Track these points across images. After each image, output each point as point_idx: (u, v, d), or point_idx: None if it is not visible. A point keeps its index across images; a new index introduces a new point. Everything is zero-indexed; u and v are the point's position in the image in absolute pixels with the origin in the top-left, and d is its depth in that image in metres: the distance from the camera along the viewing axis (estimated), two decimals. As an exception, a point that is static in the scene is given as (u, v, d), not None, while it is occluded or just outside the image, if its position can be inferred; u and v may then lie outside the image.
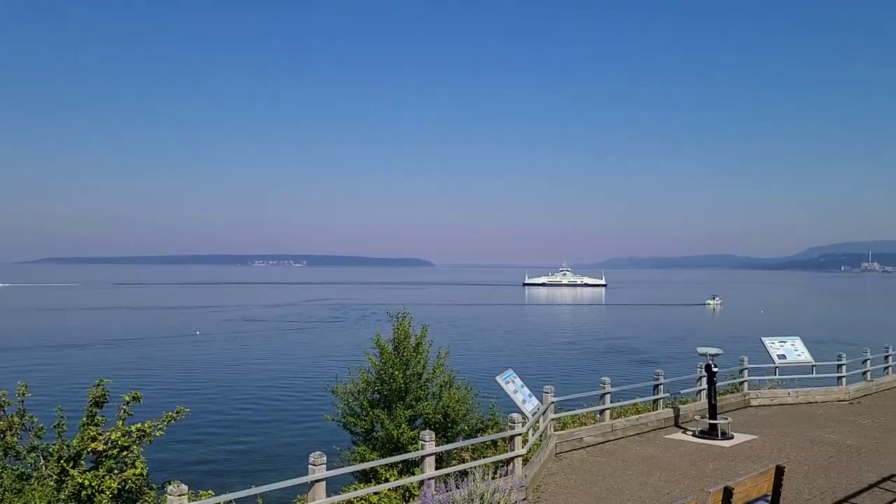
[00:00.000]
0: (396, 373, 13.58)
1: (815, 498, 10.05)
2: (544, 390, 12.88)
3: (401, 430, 13.00)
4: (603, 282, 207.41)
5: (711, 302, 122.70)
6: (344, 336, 64.03)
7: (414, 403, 13.54)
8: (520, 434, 10.55)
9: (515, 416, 10.73)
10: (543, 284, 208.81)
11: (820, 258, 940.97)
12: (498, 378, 11.94)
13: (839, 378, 18.50)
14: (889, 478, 11.03)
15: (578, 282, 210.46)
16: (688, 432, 14.46)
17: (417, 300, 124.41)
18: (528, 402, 11.99)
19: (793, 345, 18.39)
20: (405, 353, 13.86)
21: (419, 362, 13.97)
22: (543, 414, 12.57)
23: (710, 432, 13.96)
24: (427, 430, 9.77)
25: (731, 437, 13.90)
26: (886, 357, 20.51)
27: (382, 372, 13.80)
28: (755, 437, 14.16)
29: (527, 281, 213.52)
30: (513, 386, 11.99)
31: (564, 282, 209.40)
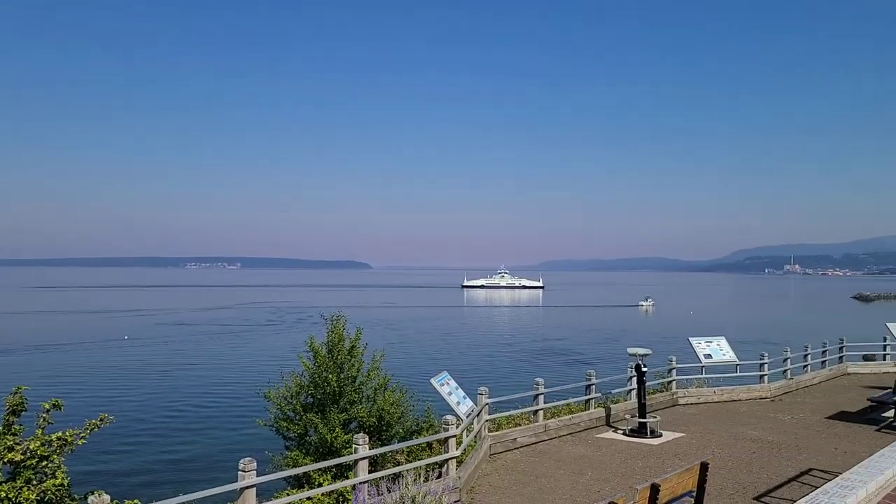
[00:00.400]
0: (330, 376, 13.43)
1: (737, 493, 10.39)
2: (479, 392, 12.94)
3: (335, 434, 12.87)
4: (540, 284, 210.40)
5: (644, 303, 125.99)
6: (279, 339, 63.00)
7: (348, 407, 13.42)
8: (454, 436, 10.56)
9: (449, 417, 10.74)
10: (482, 287, 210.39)
11: (745, 261, 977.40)
12: (432, 380, 11.93)
13: (761, 376, 19.23)
14: (807, 472, 11.50)
15: (516, 284, 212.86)
16: (619, 431, 14.77)
17: (355, 302, 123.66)
18: (462, 404, 12.01)
19: (718, 345, 19.04)
20: (339, 357, 13.73)
21: (353, 365, 13.86)
22: (478, 415, 12.63)
23: (640, 431, 14.30)
24: (361, 434, 9.67)
25: (660, 435, 14.26)
26: (805, 356, 21.43)
27: (316, 375, 13.63)
28: (683, 434, 14.57)
29: (466, 283, 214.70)
30: (447, 388, 11.99)
31: (503, 284, 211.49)
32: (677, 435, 14.49)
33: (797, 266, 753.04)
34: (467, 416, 11.84)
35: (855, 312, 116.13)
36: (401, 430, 14.10)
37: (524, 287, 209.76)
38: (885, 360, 24.28)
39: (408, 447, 13.07)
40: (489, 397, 13.16)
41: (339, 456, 11.39)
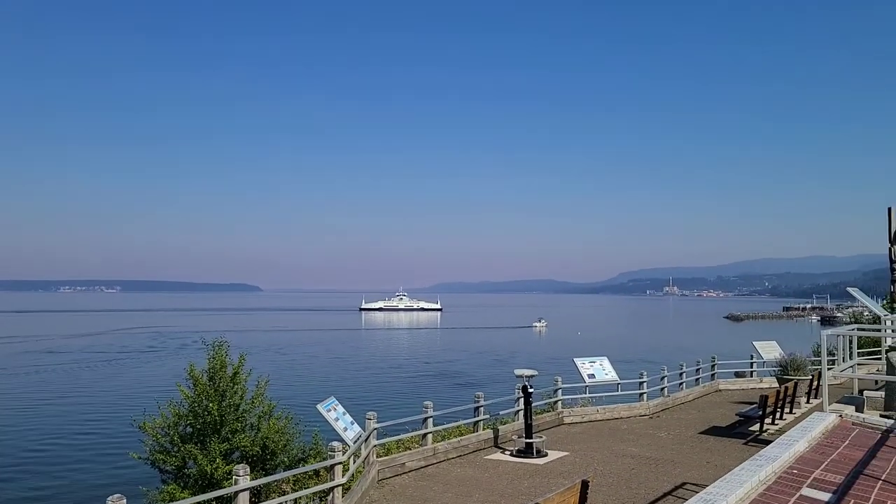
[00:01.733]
0: (211, 405, 12.86)
1: (617, 508, 10.71)
2: (367, 417, 12.77)
3: (215, 466, 12.30)
4: (438, 306, 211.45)
5: (538, 324, 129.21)
6: (159, 367, 59.91)
7: (230, 436, 12.88)
8: (340, 462, 10.34)
9: (336, 444, 10.52)
10: (380, 309, 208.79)
11: (629, 283, 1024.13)
12: (319, 406, 11.67)
13: (641, 394, 20.05)
14: (681, 485, 12.02)
15: (415, 306, 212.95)
16: (506, 452, 14.95)
17: (243, 327, 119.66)
18: (349, 430, 11.80)
19: (601, 365, 19.75)
20: (221, 384, 13.19)
21: (236, 392, 13.34)
22: (366, 441, 12.44)
23: (527, 451, 14.52)
24: (241, 464, 9.30)
25: (546, 455, 14.53)
26: (681, 374, 22.59)
27: (196, 404, 13.01)
28: (567, 453, 14.91)
29: (364, 306, 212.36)
30: (334, 414, 11.76)
31: (401, 306, 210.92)
32: (562, 454, 14.82)
33: (675, 288, 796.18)
34: (354, 442, 11.64)
35: (726, 332, 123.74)
36: (286, 459, 13.66)
37: (422, 309, 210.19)
38: (752, 376, 25.92)
39: (294, 476, 12.69)
40: (378, 422, 13.01)
41: (221, 488, 10.87)
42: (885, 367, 10.71)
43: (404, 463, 13.38)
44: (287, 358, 66.94)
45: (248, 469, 9.22)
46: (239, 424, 13.10)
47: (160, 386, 41.65)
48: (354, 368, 60.21)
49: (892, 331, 18.23)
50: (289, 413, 14.38)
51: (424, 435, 14.26)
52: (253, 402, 13.61)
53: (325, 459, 11.41)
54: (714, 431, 17.29)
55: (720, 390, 24.46)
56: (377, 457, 13.22)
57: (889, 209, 25.52)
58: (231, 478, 11.23)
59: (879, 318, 19.60)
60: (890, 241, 25.60)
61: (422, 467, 13.63)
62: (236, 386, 13.33)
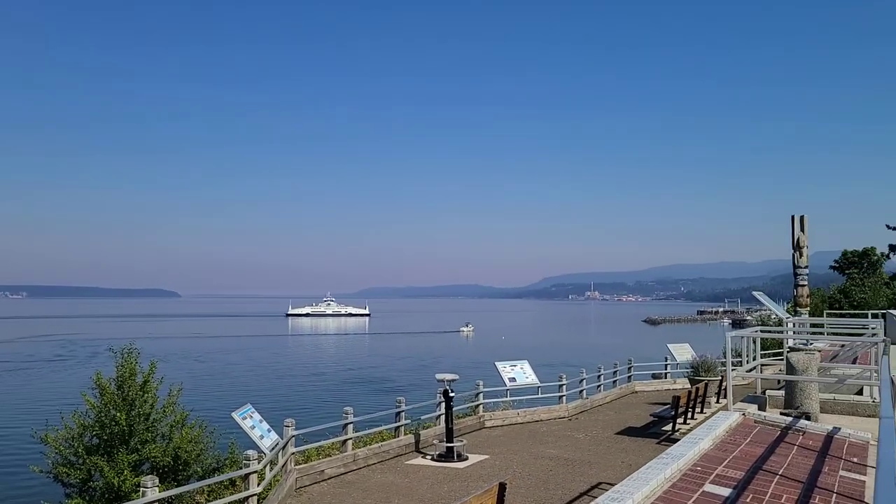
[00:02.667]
0: (119, 414, 12.33)
1: (534, 510, 10.86)
2: (285, 424, 12.52)
3: (123, 478, 11.79)
4: (366, 311, 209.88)
5: (465, 329, 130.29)
6: (67, 376, 57.06)
7: (140, 447, 12.38)
8: (255, 471, 10.10)
9: (251, 452, 10.27)
10: (307, 315, 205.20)
11: (552, 288, 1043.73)
12: (234, 414, 11.38)
13: (560, 397, 20.44)
14: (597, 485, 12.30)
15: (343, 311, 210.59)
16: (427, 456, 14.94)
17: (160, 333, 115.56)
18: (266, 438, 11.55)
19: (521, 368, 20.05)
20: (130, 393, 12.66)
21: (147, 401, 12.84)
22: (283, 448, 12.19)
23: (448, 455, 14.56)
24: (150, 476, 8.96)
25: (466, 459, 14.61)
26: (599, 376, 23.16)
27: (102, 414, 12.45)
28: (488, 456, 15.04)
29: (290, 311, 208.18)
30: (250, 421, 11.49)
31: (329, 312, 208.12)
32: (483, 457, 14.93)
33: (596, 292, 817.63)
34: (271, 450, 11.40)
35: (644, 335, 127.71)
36: (199, 470, 13.23)
37: (350, 315, 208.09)
38: (666, 377, 26.82)
39: (209, 487, 12.31)
40: (296, 429, 12.78)
41: (128, 501, 10.42)
42: (786, 366, 11.25)
43: (323, 470, 13.18)
44: (206, 365, 65.06)
45: (157, 480, 8.89)
46: (149, 434, 12.60)
47: (67, 396, 39.60)
48: (276, 375, 59.03)
49: (794, 332, 19.23)
50: (203, 422, 13.94)
51: (344, 441, 14.10)
52: (164, 410, 13.14)
53: (240, 469, 11.12)
54: (630, 432, 17.79)
55: (636, 391, 25.20)
56: (295, 464, 12.97)
57: (792, 217, 26.95)
58: (139, 490, 10.81)
59: (782, 320, 20.64)
60: (793, 248, 27.03)
61: (341, 474, 13.47)
62: (147, 395, 12.82)
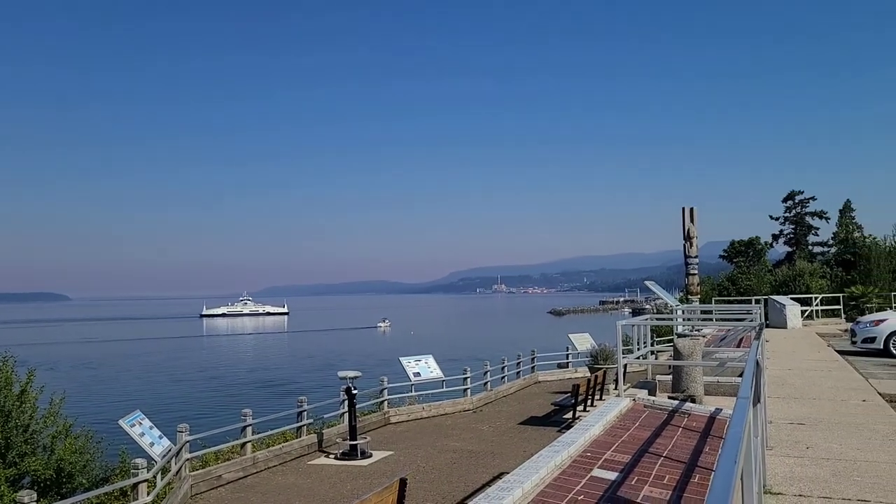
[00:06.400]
0: (-7, 427, 11.53)
1: (437, 503, 10.90)
2: (178, 429, 12.04)
3: (-1, 494, 11.03)
4: (285, 310, 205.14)
5: (382, 324, 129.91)
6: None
7: (18, 460, 11.61)
8: (144, 480, 9.67)
9: (139, 461, 9.83)
10: (223, 315, 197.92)
11: (459, 282, 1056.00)
12: (121, 422, 10.85)
13: (465, 390, 20.63)
14: (498, 476, 12.46)
15: (260, 310, 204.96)
16: (330, 456, 14.75)
17: (44, 339, 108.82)
18: (157, 445, 11.08)
19: (426, 363, 20.12)
20: (7, 404, 11.85)
21: (25, 412, 12.04)
22: (177, 455, 11.73)
23: (351, 453, 14.42)
24: (27, 491, 8.39)
25: (370, 456, 14.51)
26: (503, 368, 23.55)
27: (-26, 428, 11.61)
28: (392, 452, 14.99)
29: (205, 312, 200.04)
30: (139, 429, 10.99)
31: (246, 311, 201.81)
32: (387, 454, 14.87)
33: (503, 285, 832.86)
34: (163, 457, 10.93)
35: (549, 326, 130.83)
36: (85, 481, 12.54)
37: (269, 314, 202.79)
38: (568, 367, 27.56)
39: (96, 499, 11.68)
40: (191, 434, 12.31)
41: (5, 520, 9.78)
42: (673, 352, 11.78)
43: (220, 475, 12.77)
44: (97, 372, 61.85)
45: (35, 495, 8.34)
46: (28, 447, 11.82)
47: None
48: (173, 380, 56.73)
49: (683, 319, 20.19)
50: (90, 431, 13.22)
51: (243, 444, 13.73)
52: (45, 421, 12.36)
53: (129, 478, 10.61)
54: (532, 421, 18.17)
55: (539, 382, 25.77)
56: (192, 470, 12.51)
57: (683, 209, 28.26)
58: (16, 507, 10.14)
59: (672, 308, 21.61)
60: (684, 238, 28.33)
61: (240, 478, 13.09)
62: (24, 405, 12.02)
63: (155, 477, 10.35)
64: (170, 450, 11.30)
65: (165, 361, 73.56)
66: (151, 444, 10.97)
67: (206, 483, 12.40)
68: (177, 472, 11.68)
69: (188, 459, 12.33)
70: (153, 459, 10.68)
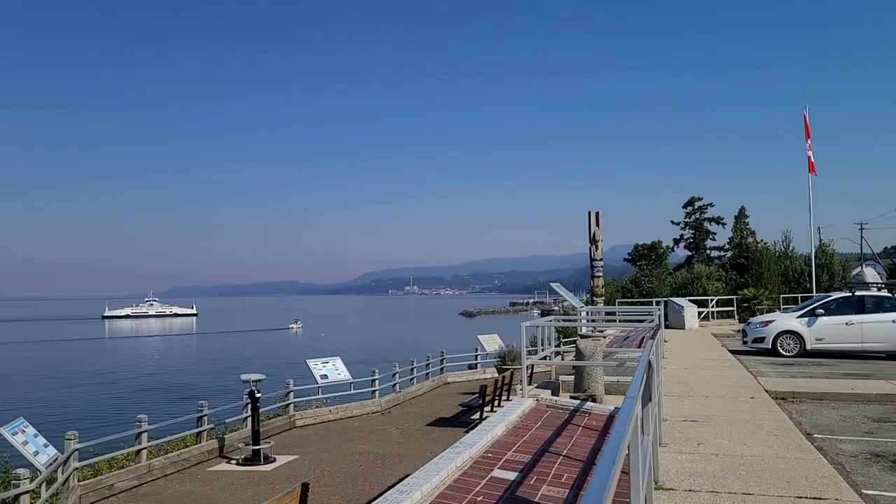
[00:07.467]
0: None
1: (340, 507, 10.76)
2: (66, 437, 11.39)
3: None
4: (194, 311, 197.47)
5: (294, 326, 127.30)
6: None
7: None
8: (27, 491, 9.09)
9: (21, 471, 9.24)
10: (128, 316, 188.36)
11: (371, 283, 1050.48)
12: (2, 430, 10.16)
13: (373, 392, 20.51)
14: (404, 478, 12.44)
15: (168, 312, 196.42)
16: (232, 461, 14.33)
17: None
18: (42, 454, 10.44)
19: (334, 365, 19.88)
20: None
21: None
22: (65, 463, 11.09)
23: (254, 458, 14.05)
24: None
25: (274, 461, 14.18)
26: (412, 369, 23.56)
27: None
28: (296, 456, 14.70)
29: (107, 313, 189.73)
30: (22, 437, 10.33)
31: (152, 312, 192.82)
32: (291, 458, 14.57)
33: (415, 287, 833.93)
34: (48, 467, 10.31)
35: (461, 327, 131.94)
36: (-40, 495, 11.67)
37: (176, 315, 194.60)
38: (478, 368, 27.86)
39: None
40: (81, 441, 11.68)
41: None
42: (575, 352, 12.08)
43: (113, 484, 12.17)
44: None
45: None
46: None
47: None
48: (64, 385, 53.61)
49: (587, 320, 20.77)
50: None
51: (138, 451, 13.14)
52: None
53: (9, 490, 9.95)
54: (440, 423, 18.24)
55: (448, 383, 25.93)
56: (81, 480, 11.87)
57: (589, 213, 29.09)
58: None
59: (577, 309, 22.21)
60: (590, 242, 29.16)
61: (134, 487, 12.51)
62: None
63: (39, 487, 9.75)
64: (56, 458, 10.67)
65: (58, 365, 69.54)
66: (36, 453, 10.32)
67: (96, 493, 11.78)
68: (64, 482, 11.04)
69: (77, 468, 11.68)
70: (37, 469, 10.06)
